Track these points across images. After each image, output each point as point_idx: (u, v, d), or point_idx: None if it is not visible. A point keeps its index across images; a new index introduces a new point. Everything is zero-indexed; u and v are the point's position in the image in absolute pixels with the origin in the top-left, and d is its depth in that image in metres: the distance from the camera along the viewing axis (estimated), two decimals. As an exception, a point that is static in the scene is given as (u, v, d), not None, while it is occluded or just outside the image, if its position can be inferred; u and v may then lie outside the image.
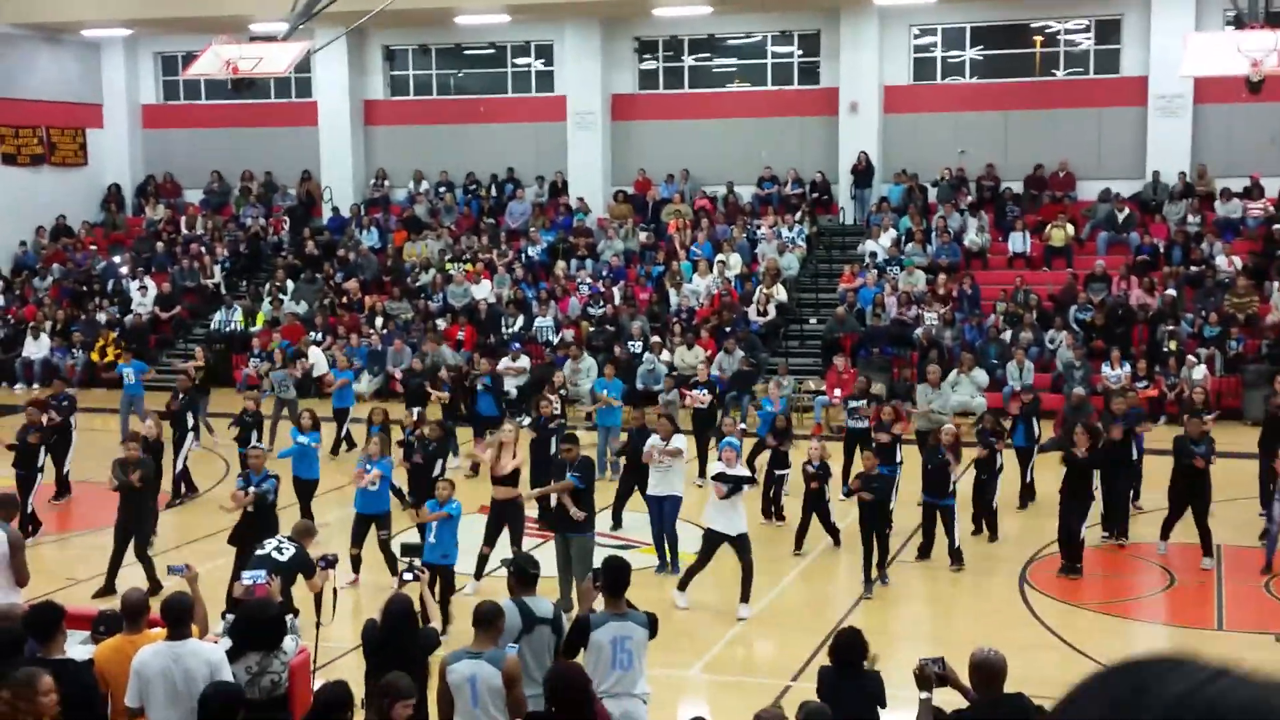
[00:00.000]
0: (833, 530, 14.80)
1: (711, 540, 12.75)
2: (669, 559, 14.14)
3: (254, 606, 7.83)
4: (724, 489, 12.48)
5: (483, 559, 13.37)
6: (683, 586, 12.96)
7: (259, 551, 9.99)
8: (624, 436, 16.88)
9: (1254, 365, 22.53)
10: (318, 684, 7.86)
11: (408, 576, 8.57)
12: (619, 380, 19.12)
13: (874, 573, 13.43)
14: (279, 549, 10.02)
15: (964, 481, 15.13)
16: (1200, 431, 14.29)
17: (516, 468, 13.36)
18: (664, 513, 14.07)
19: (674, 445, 14.12)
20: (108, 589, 13.16)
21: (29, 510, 15.40)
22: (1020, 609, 13.08)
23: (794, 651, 11.80)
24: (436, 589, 11.71)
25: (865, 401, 17.63)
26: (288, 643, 7.57)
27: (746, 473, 12.98)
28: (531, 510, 14.20)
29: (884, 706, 8.01)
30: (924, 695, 6.73)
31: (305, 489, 15.20)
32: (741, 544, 12.68)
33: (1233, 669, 1.29)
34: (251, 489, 12.67)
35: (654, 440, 14.25)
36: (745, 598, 12.72)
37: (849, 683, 7.82)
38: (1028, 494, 16.60)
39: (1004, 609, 13.11)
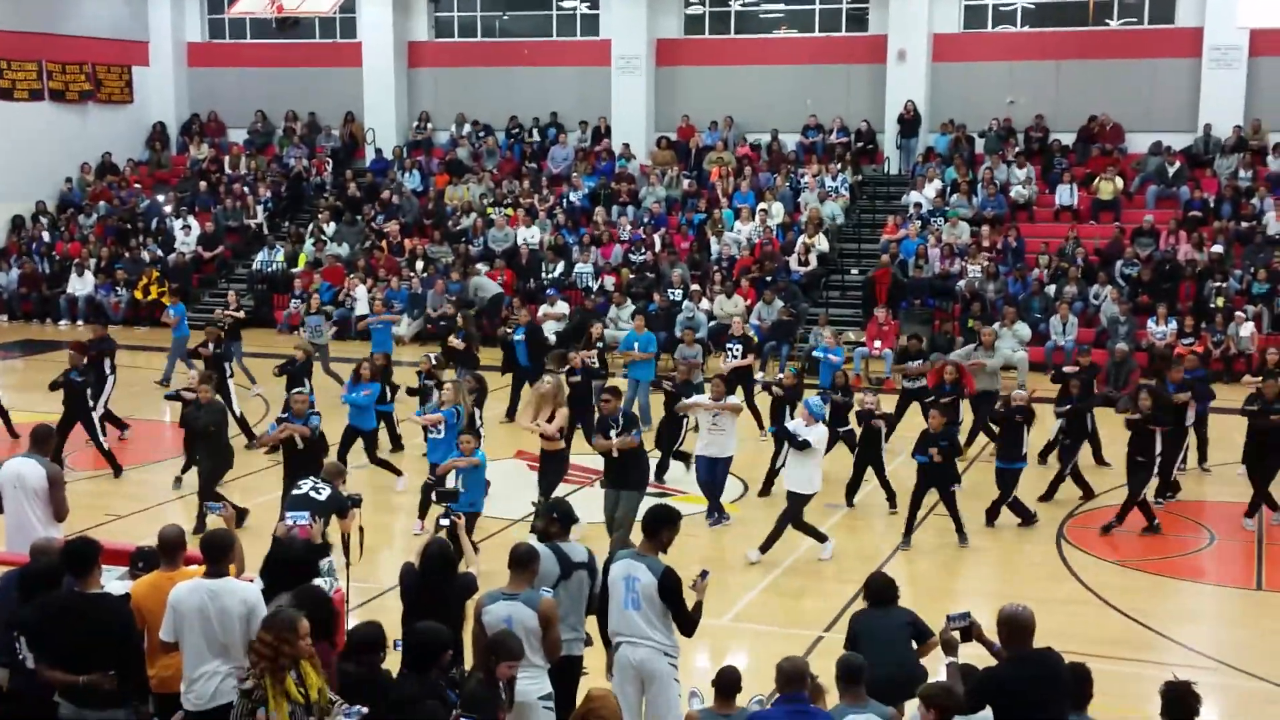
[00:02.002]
0: (889, 489, 14.67)
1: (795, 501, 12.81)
2: (724, 512, 14.22)
3: (279, 547, 7.87)
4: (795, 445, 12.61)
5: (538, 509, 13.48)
6: (822, 538, 12.98)
7: (296, 492, 10.04)
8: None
9: (1302, 324, 22.20)
10: (352, 623, 7.91)
11: (444, 522, 8.58)
12: (650, 333, 19.05)
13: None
14: (316, 489, 10.06)
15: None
16: (1275, 393, 14.07)
17: (560, 420, 13.33)
18: (715, 474, 14.05)
19: (729, 400, 14.08)
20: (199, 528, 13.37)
21: (103, 447, 15.78)
22: (1057, 565, 13.01)
23: (828, 603, 11.80)
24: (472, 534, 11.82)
25: (919, 360, 17.47)
26: (321, 583, 7.61)
27: (814, 434, 12.78)
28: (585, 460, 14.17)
29: (922, 640, 7.94)
30: (950, 660, 6.70)
31: (366, 438, 15.31)
32: (799, 501, 12.74)
33: None
34: (299, 424, 12.83)
35: (702, 399, 14.21)
36: (765, 547, 12.80)
37: (881, 619, 8.09)
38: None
39: (1041, 564, 13.04)
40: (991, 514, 14.03)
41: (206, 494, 13.39)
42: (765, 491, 15.04)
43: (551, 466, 13.41)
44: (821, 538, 12.89)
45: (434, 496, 11.61)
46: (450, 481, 12.04)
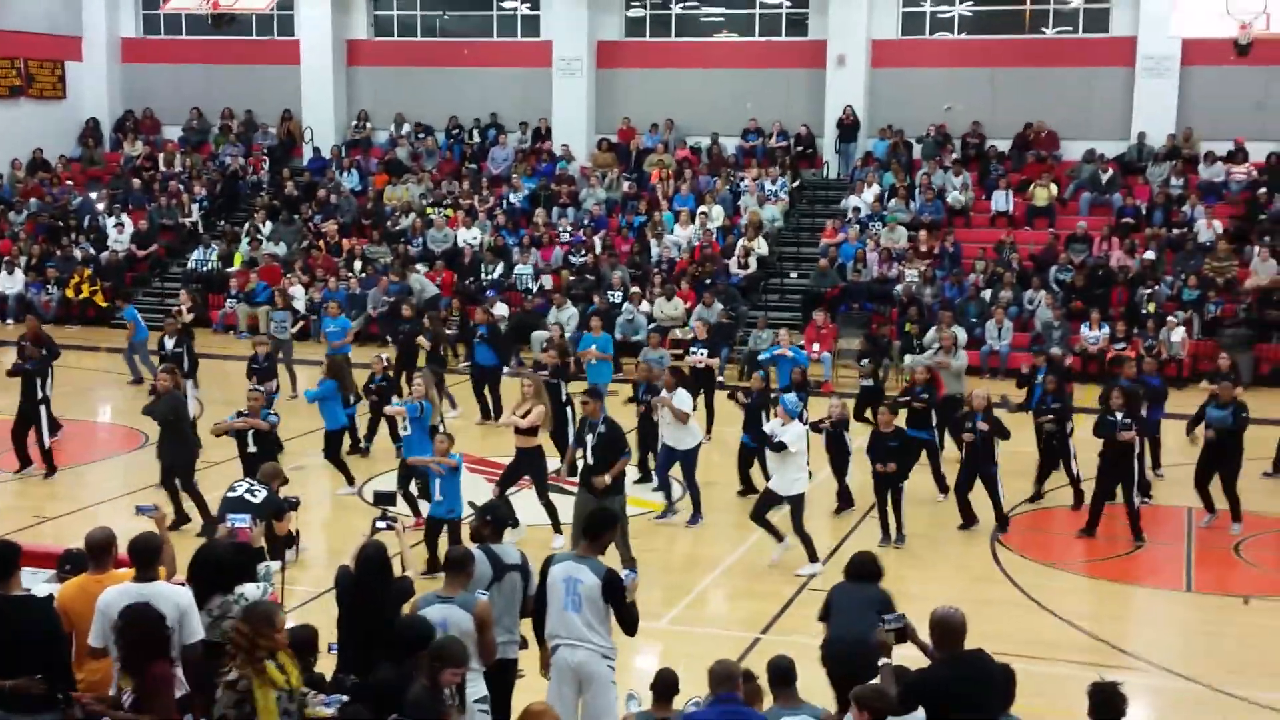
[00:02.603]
0: (845, 493, 14.76)
1: (768, 497, 12.86)
2: (673, 505, 14.40)
3: (202, 550, 7.75)
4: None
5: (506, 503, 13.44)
6: (780, 538, 12.86)
7: (230, 494, 9.93)
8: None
9: (1231, 329, 22.59)
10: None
11: (380, 525, 8.52)
12: (607, 334, 19.04)
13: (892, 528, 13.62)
14: (251, 491, 9.96)
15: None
16: (1230, 396, 14.24)
17: (535, 417, 13.26)
18: (683, 465, 14.18)
19: (680, 403, 14.10)
20: (185, 520, 13.38)
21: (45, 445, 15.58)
22: (990, 567, 13.13)
23: (766, 605, 11.83)
24: (442, 539, 11.76)
25: (867, 360, 17.63)
26: (251, 589, 7.51)
27: (790, 434, 12.79)
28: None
29: (887, 617, 7.79)
30: (884, 661, 6.74)
31: (328, 436, 15.21)
32: (793, 505, 12.67)
33: None
34: (255, 419, 12.81)
35: (664, 394, 14.27)
36: (812, 557, 12.66)
37: (855, 593, 8.39)
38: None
39: (975, 566, 13.15)
40: (1001, 521, 14.06)
41: (187, 486, 13.41)
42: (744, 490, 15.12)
43: (531, 462, 13.34)
44: (779, 537, 12.86)
45: (372, 498, 11.55)
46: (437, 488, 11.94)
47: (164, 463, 13.65)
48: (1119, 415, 13.65)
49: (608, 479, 11.99)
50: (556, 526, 13.16)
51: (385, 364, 16.16)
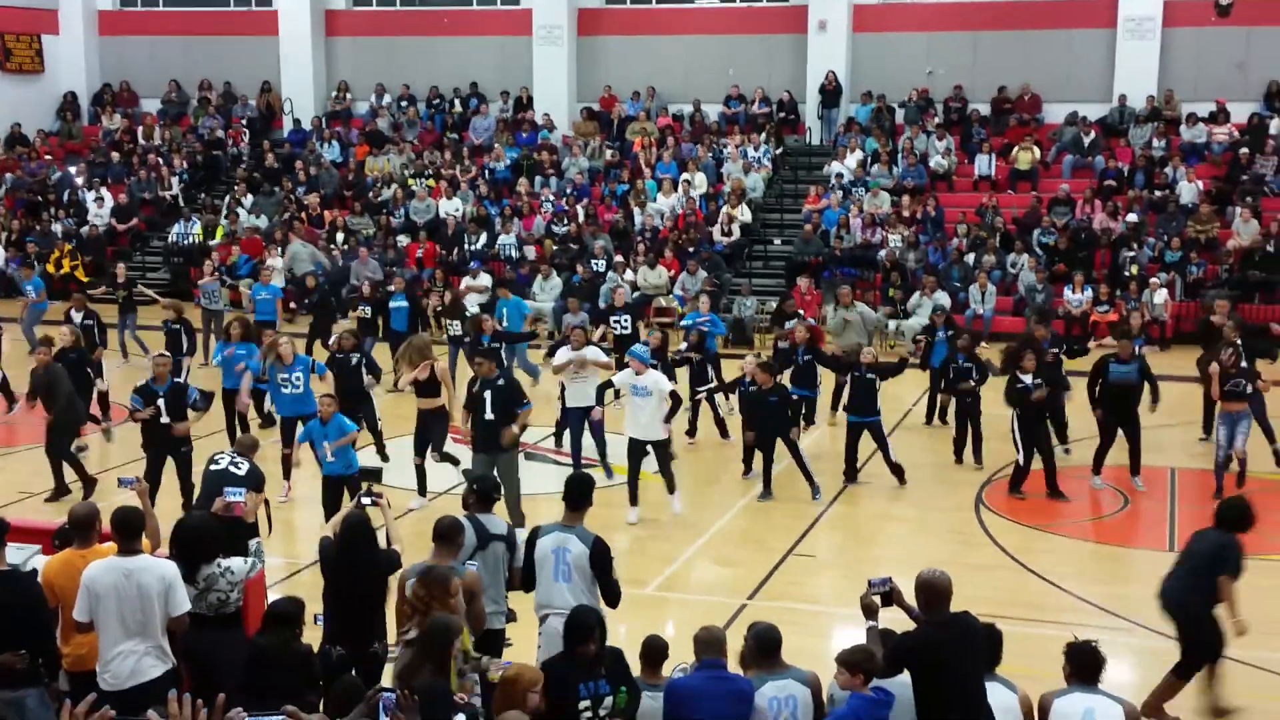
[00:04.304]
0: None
1: (633, 446, 13.12)
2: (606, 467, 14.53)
3: (179, 523, 7.74)
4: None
5: (420, 470, 13.53)
6: (634, 501, 13.14)
7: (214, 467, 9.90)
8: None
9: (1214, 290, 22.64)
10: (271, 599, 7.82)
11: (365, 501, 8.51)
12: (517, 298, 19.45)
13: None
14: (234, 464, 9.94)
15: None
16: (1130, 353, 14.32)
17: (434, 377, 13.33)
18: (589, 424, 14.33)
19: (592, 357, 14.33)
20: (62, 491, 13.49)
21: None
22: (975, 529, 13.19)
23: (752, 572, 11.87)
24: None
25: (794, 320, 17.74)
26: (238, 563, 7.50)
27: (652, 379, 13.17)
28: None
29: (873, 580, 7.66)
30: (870, 623, 6.77)
31: (224, 396, 15.16)
32: (659, 450, 13.09)
33: None
34: (160, 390, 12.68)
35: (563, 351, 14.47)
36: (670, 489, 13.14)
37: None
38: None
39: (959, 530, 13.21)
40: (896, 471, 14.42)
41: (58, 453, 13.50)
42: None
43: (433, 421, 13.42)
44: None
45: (359, 474, 11.60)
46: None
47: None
48: (1029, 378, 13.75)
49: (515, 430, 12.18)
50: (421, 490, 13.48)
51: (349, 338, 15.80)
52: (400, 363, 13.78)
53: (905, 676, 6.56)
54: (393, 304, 19.35)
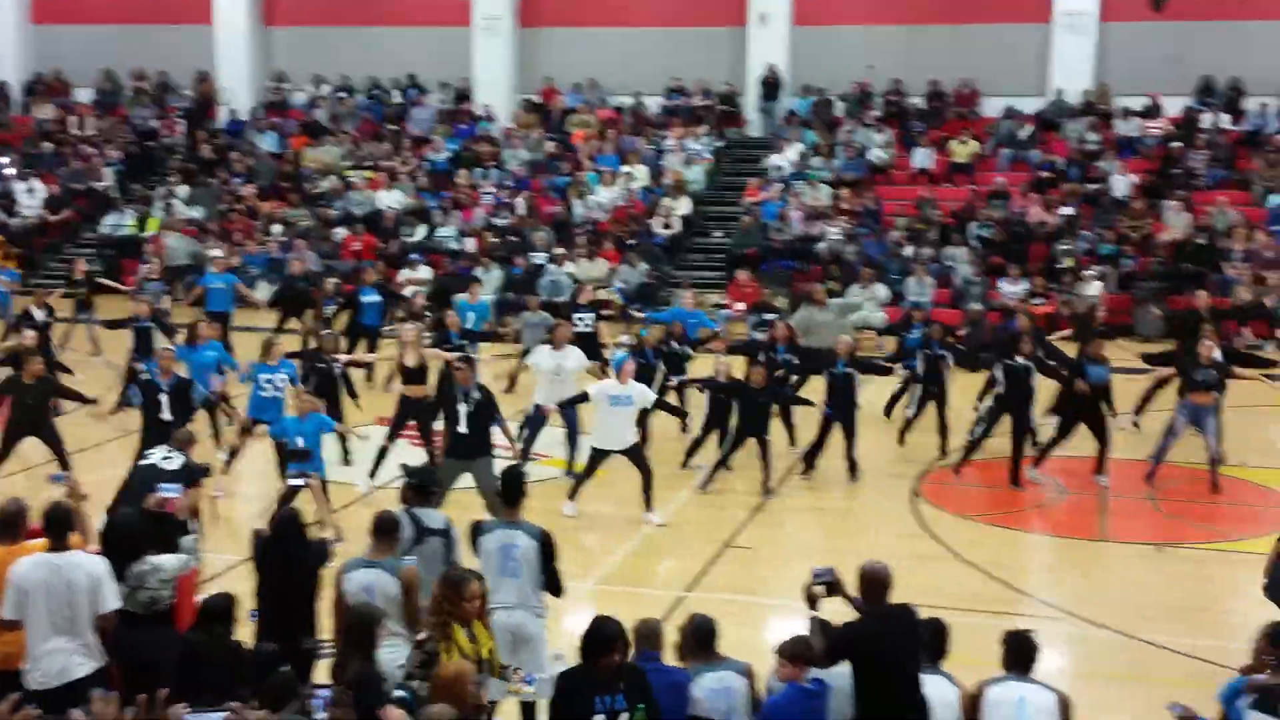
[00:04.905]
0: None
1: (598, 456, 12.93)
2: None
3: (107, 521, 7.63)
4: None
5: (382, 453, 13.44)
6: (572, 496, 13.03)
7: (143, 462, 9.73)
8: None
9: (1146, 283, 22.98)
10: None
11: (296, 482, 8.44)
12: (484, 301, 19.36)
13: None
14: (166, 458, 9.76)
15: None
16: (1102, 352, 14.47)
17: (423, 364, 13.31)
18: (566, 421, 14.15)
19: (577, 361, 14.16)
20: None
21: None
22: (912, 521, 13.29)
23: (689, 564, 11.89)
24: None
25: (767, 316, 17.77)
26: (169, 560, 7.40)
27: (637, 390, 12.99)
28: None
29: (817, 570, 7.54)
30: (813, 613, 6.80)
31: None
32: (634, 454, 12.87)
33: None
34: (164, 386, 12.39)
35: (545, 351, 14.30)
36: (648, 505, 12.88)
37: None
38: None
39: (897, 521, 13.31)
40: (852, 467, 14.41)
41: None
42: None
43: (418, 411, 13.33)
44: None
45: (285, 454, 11.45)
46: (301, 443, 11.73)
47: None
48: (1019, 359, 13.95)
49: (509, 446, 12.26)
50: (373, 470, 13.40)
51: (331, 341, 15.62)
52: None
53: (845, 667, 6.60)
54: (364, 298, 18.87)
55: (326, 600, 7.66)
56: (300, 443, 11.45)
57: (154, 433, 11.93)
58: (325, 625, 7.68)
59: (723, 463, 14.03)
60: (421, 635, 6.59)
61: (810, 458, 14.49)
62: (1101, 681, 9.46)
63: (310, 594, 7.68)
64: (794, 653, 6.53)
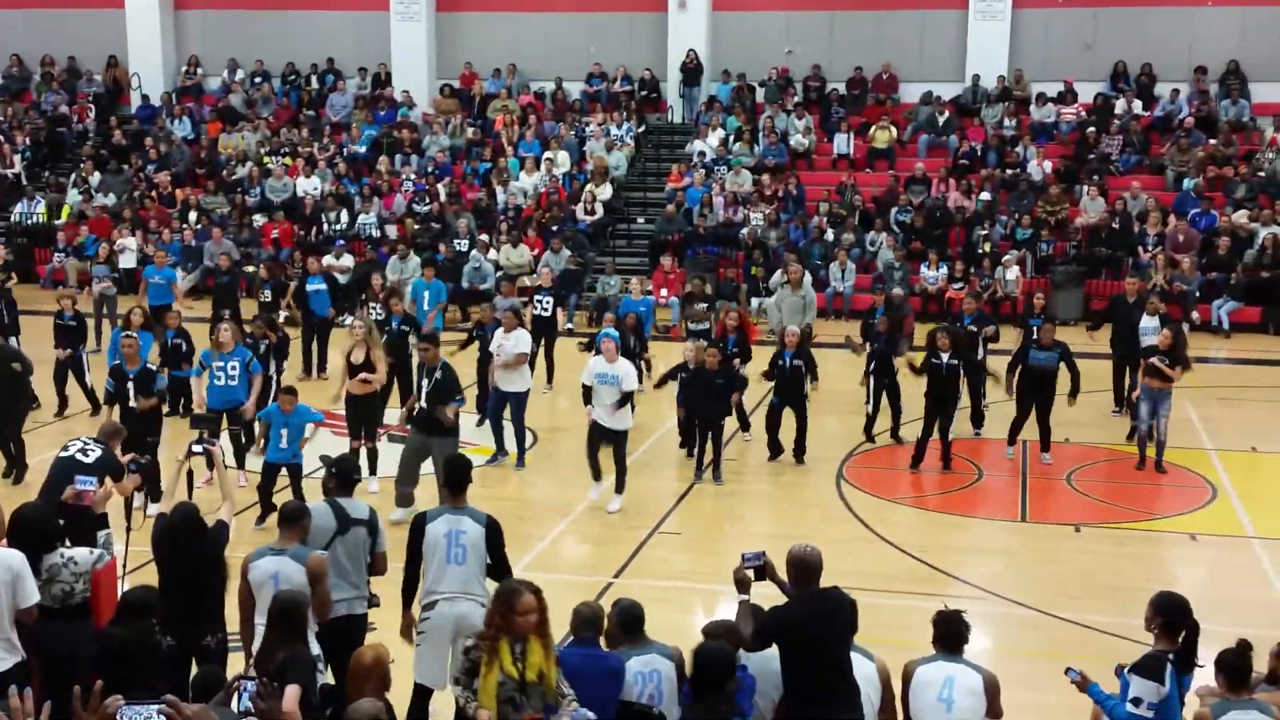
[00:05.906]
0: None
1: (595, 432, 12.95)
2: (504, 448, 14.50)
3: (15, 512, 7.44)
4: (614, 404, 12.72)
5: (372, 454, 13.35)
6: (597, 478, 13.03)
7: (62, 454, 9.52)
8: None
9: (1063, 267, 23.34)
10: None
11: (196, 449, 8.30)
12: (440, 281, 18.89)
13: (707, 466, 13.92)
14: (84, 450, 9.56)
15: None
16: (1051, 339, 14.63)
17: (369, 361, 13.13)
18: (512, 407, 14.30)
19: (519, 345, 14.27)
20: None
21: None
22: (838, 504, 13.40)
23: (619, 549, 11.89)
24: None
25: (704, 305, 17.77)
26: (82, 553, 7.24)
27: (624, 369, 12.98)
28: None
29: (747, 555, 7.60)
30: (743, 597, 6.82)
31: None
32: (618, 440, 12.89)
33: None
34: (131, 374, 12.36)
35: (498, 335, 14.41)
36: (619, 489, 12.96)
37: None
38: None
39: (823, 505, 13.41)
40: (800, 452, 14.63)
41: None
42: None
43: (365, 409, 13.23)
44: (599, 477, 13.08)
45: (190, 422, 11.34)
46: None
47: None
48: (944, 356, 14.05)
49: (450, 414, 12.13)
50: (372, 469, 13.25)
51: (260, 327, 15.37)
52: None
53: (774, 650, 6.62)
54: (310, 286, 18.57)
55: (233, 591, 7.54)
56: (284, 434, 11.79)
57: (124, 421, 11.97)
58: (231, 613, 7.56)
59: (700, 451, 14.05)
60: (469, 642, 6.42)
61: (775, 445, 14.62)
62: (1021, 659, 9.61)
63: (209, 585, 7.53)
64: (723, 636, 6.54)
